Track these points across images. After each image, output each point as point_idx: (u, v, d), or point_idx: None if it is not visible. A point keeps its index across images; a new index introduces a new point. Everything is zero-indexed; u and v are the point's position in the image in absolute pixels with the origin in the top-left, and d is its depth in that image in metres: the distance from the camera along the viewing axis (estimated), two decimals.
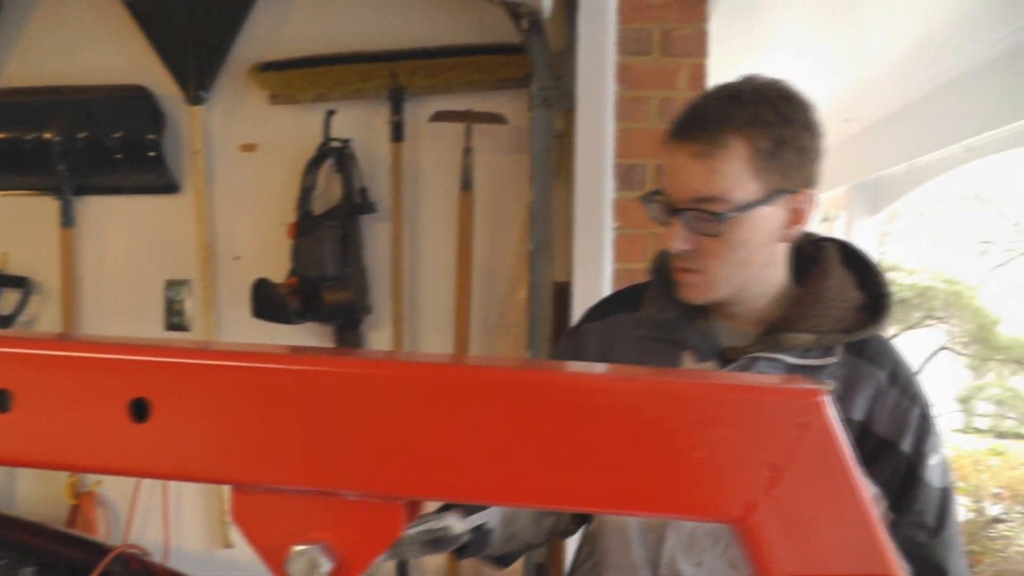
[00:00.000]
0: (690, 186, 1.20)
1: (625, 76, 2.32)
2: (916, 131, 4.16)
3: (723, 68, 3.82)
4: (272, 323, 2.40)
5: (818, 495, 0.53)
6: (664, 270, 1.37)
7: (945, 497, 1.26)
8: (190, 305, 2.70)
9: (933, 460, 1.25)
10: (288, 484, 0.57)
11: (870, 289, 1.31)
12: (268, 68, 2.55)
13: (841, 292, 1.28)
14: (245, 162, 2.66)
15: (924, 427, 1.26)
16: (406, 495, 0.57)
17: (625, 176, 2.33)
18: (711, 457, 0.53)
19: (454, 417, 0.55)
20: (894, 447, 1.24)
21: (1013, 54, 3.28)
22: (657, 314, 1.35)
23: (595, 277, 2.22)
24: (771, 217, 1.23)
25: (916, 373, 1.32)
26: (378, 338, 2.57)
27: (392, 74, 2.45)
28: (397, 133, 2.46)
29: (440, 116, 2.37)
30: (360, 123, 2.53)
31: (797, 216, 1.25)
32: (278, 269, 2.46)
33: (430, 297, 2.54)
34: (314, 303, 2.40)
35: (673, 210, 1.23)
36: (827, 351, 1.26)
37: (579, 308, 2.24)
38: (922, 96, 4.03)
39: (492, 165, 2.48)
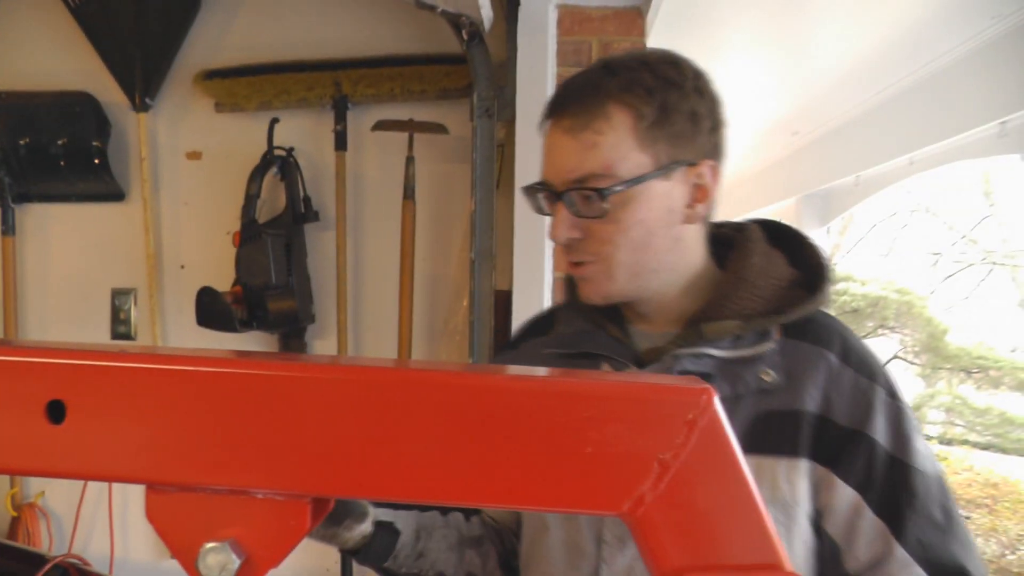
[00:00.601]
0: (567, 164, 1.08)
1: None
2: (862, 144, 4.24)
3: None
4: (217, 331, 2.39)
5: (707, 489, 0.56)
6: (572, 280, 1.26)
7: (943, 485, 1.07)
8: (136, 314, 2.68)
9: (918, 443, 1.07)
10: (199, 483, 0.58)
11: (804, 265, 1.17)
12: (213, 76, 2.54)
13: (766, 269, 1.14)
14: (190, 170, 2.65)
15: (895, 407, 1.08)
16: (311, 492, 0.59)
17: None
18: (601, 453, 0.55)
19: (352, 416, 0.57)
20: (862, 435, 1.05)
21: (952, 70, 3.36)
22: (566, 329, 1.26)
23: (535, 285, 2.25)
24: (668, 194, 1.09)
25: (869, 348, 1.14)
26: (322, 347, 2.57)
27: (336, 83, 2.45)
28: (341, 142, 2.46)
29: (382, 125, 2.38)
30: (304, 132, 2.54)
31: (700, 193, 1.12)
32: (224, 277, 2.45)
33: (374, 306, 2.55)
34: (259, 311, 2.39)
35: (554, 195, 1.10)
36: (760, 337, 1.10)
37: (520, 316, 2.26)
38: (867, 110, 4.11)
39: (435, 174, 2.49)
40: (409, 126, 2.37)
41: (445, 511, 1.28)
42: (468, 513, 1.30)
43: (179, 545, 0.59)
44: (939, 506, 1.05)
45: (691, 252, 1.16)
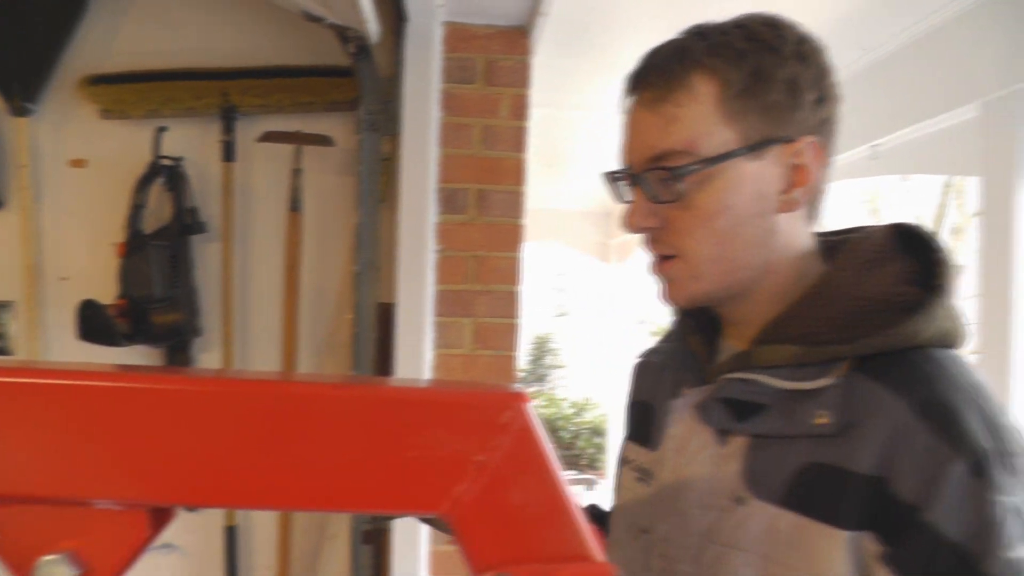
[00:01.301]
0: (646, 142, 0.94)
1: (449, 103, 2.40)
2: None
3: (569, 96, 3.97)
4: (100, 346, 2.34)
5: (520, 488, 0.59)
6: None
7: None
8: (15, 328, 2.60)
9: (1004, 551, 0.77)
10: (35, 495, 0.58)
11: (925, 284, 0.91)
12: (99, 81, 2.49)
13: (858, 283, 0.92)
14: (74, 178, 2.58)
15: (976, 492, 0.78)
16: (149, 502, 0.60)
17: (448, 200, 2.41)
18: (422, 457, 0.58)
19: (179, 426, 0.58)
20: (922, 520, 0.80)
21: (865, 73, 3.49)
22: (667, 339, 1.18)
23: (418, 298, 2.27)
24: (759, 176, 0.92)
25: (977, 406, 0.83)
26: (209, 360, 2.53)
27: (224, 93, 2.43)
28: (228, 153, 2.44)
29: (268, 137, 2.37)
30: (192, 141, 2.50)
31: (799, 175, 0.93)
32: (108, 290, 2.40)
33: (260, 318, 2.53)
34: (143, 325, 2.35)
35: (633, 178, 0.97)
36: (823, 368, 0.89)
37: (402, 329, 2.28)
38: None
39: (321, 187, 2.49)
40: (295, 138, 2.37)
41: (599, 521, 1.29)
42: None
43: (14, 559, 0.59)
44: None
45: (789, 248, 0.97)
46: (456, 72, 2.38)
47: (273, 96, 2.43)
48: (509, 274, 2.48)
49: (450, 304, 2.42)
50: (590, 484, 5.56)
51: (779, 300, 0.97)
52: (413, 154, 2.29)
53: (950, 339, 0.89)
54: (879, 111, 3.10)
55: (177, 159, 2.44)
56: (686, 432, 1.00)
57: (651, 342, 1.28)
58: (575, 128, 4.77)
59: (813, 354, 0.90)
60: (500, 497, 0.58)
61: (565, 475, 0.60)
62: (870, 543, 0.83)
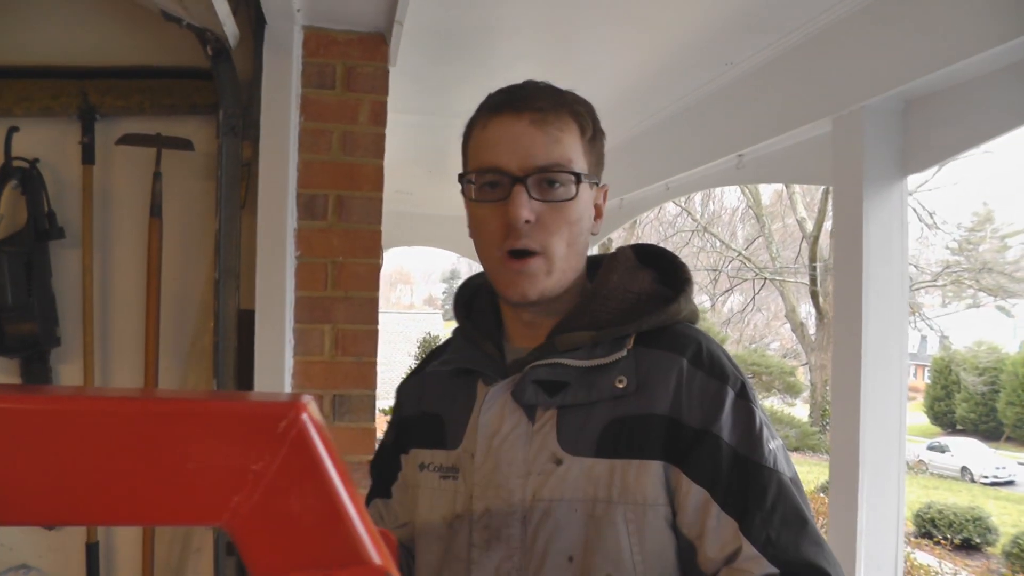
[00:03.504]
0: (533, 151, 1.15)
1: (309, 109, 2.39)
2: (626, 170, 4.48)
3: (452, 103, 4.00)
4: None
5: (298, 496, 0.59)
6: (483, 287, 1.36)
7: (794, 485, 1.10)
8: None
9: (768, 443, 1.11)
10: None
11: (672, 279, 1.25)
12: None
13: (624, 284, 1.22)
14: None
15: (743, 407, 1.12)
16: None
17: (307, 206, 2.39)
18: (199, 467, 0.58)
19: None
20: (709, 434, 1.09)
21: (697, 107, 3.62)
22: (453, 350, 1.33)
23: (277, 304, 2.25)
24: (589, 204, 1.22)
25: (725, 354, 1.19)
26: (68, 371, 2.44)
27: (83, 92, 2.35)
28: (87, 155, 2.36)
29: (127, 139, 2.30)
30: (49, 142, 2.40)
31: (598, 212, 1.26)
32: None
33: (121, 327, 2.45)
34: None
35: (514, 180, 1.15)
36: (615, 346, 1.16)
37: (262, 336, 2.25)
38: (630, 139, 4.35)
39: (183, 191, 2.43)
40: (155, 141, 2.31)
41: None
42: None
43: None
44: (789, 504, 1.07)
45: (582, 264, 1.24)
46: (315, 77, 2.35)
47: (134, 97, 2.36)
48: (368, 280, 2.47)
49: (310, 310, 2.40)
50: None
51: (568, 303, 1.22)
52: (272, 159, 2.27)
53: (695, 318, 1.24)
54: (744, 123, 3.23)
55: (32, 161, 2.35)
56: (496, 419, 1.18)
57: (413, 364, 1.42)
58: (459, 136, 4.79)
59: (603, 336, 1.17)
60: (278, 506, 0.59)
61: (347, 482, 0.61)
62: (672, 470, 1.10)
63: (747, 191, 18.80)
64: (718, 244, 19.88)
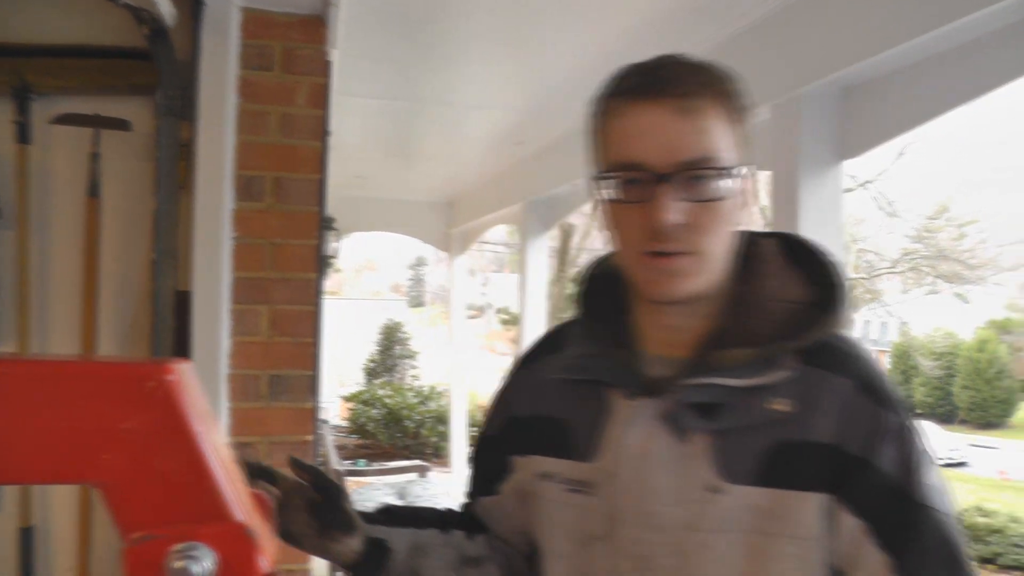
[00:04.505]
0: (679, 145, 1.01)
1: (247, 90, 2.38)
2: (579, 155, 4.49)
3: (411, 88, 4.00)
4: None
5: (163, 456, 0.62)
6: (603, 289, 1.22)
7: (954, 526, 1.03)
8: None
9: (930, 478, 1.03)
10: None
11: (822, 284, 1.12)
12: None
13: (780, 291, 1.11)
14: None
15: (907, 438, 1.04)
16: None
17: (245, 187, 2.39)
18: (70, 427, 0.61)
19: None
20: (869, 464, 1.02)
21: None
22: (578, 351, 1.19)
23: (214, 286, 2.25)
24: (736, 195, 1.07)
25: (887, 376, 1.10)
26: (4, 354, 2.43)
27: (17, 71, 2.31)
28: (23, 135, 2.32)
29: (63, 119, 2.28)
30: None
31: (747, 199, 1.10)
32: None
33: (59, 308, 2.41)
34: None
35: (659, 178, 1.01)
36: (773, 364, 1.05)
37: (199, 317, 2.25)
38: (581, 124, 4.36)
39: (121, 172, 2.39)
40: (92, 121, 2.29)
41: (446, 528, 1.26)
42: (472, 531, 1.28)
43: None
44: (946, 546, 1.01)
45: (730, 264, 1.11)
46: (254, 59, 2.34)
47: (71, 77, 2.33)
48: (306, 262, 2.47)
49: (247, 291, 2.40)
50: (423, 472, 5.56)
51: (715, 306, 1.10)
52: (210, 140, 2.26)
53: (849, 324, 1.12)
54: None
55: None
56: (643, 439, 1.07)
57: (530, 353, 1.31)
58: (419, 120, 4.81)
59: (764, 353, 1.05)
60: (145, 463, 0.61)
61: (216, 440, 0.63)
62: (829, 500, 1.02)
63: None
64: None
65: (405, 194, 7.64)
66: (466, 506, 1.33)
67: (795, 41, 2.68)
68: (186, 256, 2.28)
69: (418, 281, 48.57)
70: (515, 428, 1.24)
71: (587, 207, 4.99)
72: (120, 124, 2.29)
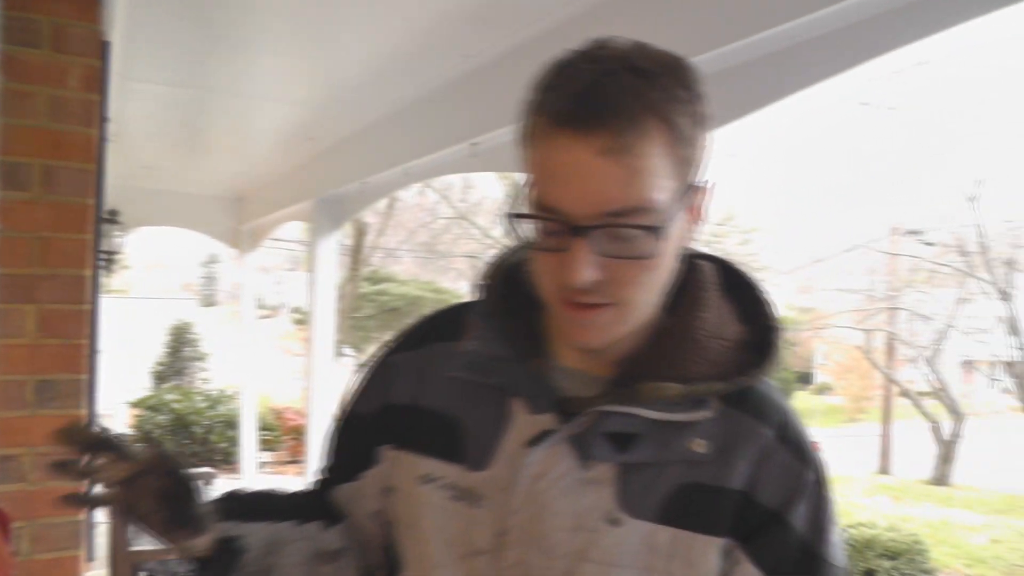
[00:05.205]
0: (603, 193, 0.88)
1: (11, 68, 2.22)
2: (366, 154, 4.51)
3: (201, 77, 3.85)
4: None
5: None
6: (513, 282, 1.10)
7: None
8: None
9: (834, 535, 1.03)
10: None
11: (754, 322, 1.06)
12: None
13: (718, 328, 1.03)
14: None
15: (820, 495, 1.02)
16: None
17: (10, 175, 2.23)
18: None
19: None
20: (783, 521, 1.00)
21: (434, 96, 3.71)
22: (481, 349, 1.07)
23: None
24: (680, 223, 0.96)
25: (805, 429, 1.07)
26: None
27: None
28: None
29: None
30: None
31: (696, 215, 0.99)
32: None
33: None
34: None
35: (576, 229, 0.89)
36: (698, 403, 1.00)
37: None
38: (371, 123, 4.36)
39: None
40: None
41: (303, 520, 1.16)
42: (327, 516, 1.19)
43: None
44: None
45: (662, 298, 1.02)
46: (18, 34, 2.18)
47: None
48: (78, 257, 2.33)
49: (11, 289, 2.22)
50: (209, 479, 5.37)
51: (640, 334, 1.02)
52: None
53: (777, 371, 1.06)
54: (478, 113, 3.33)
55: None
56: (545, 459, 1.00)
57: (417, 334, 1.19)
58: (208, 110, 4.64)
59: (690, 392, 0.99)
60: None
61: None
62: (731, 545, 1.00)
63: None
64: (477, 232, 20.26)
65: (194, 188, 7.33)
66: (321, 487, 1.23)
67: None
68: None
69: (210, 279, 46.81)
70: (391, 416, 1.14)
71: (380, 205, 4.98)
72: None
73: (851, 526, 9.74)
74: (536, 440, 1.00)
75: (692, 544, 0.98)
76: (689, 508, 0.99)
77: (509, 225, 0.96)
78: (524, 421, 1.02)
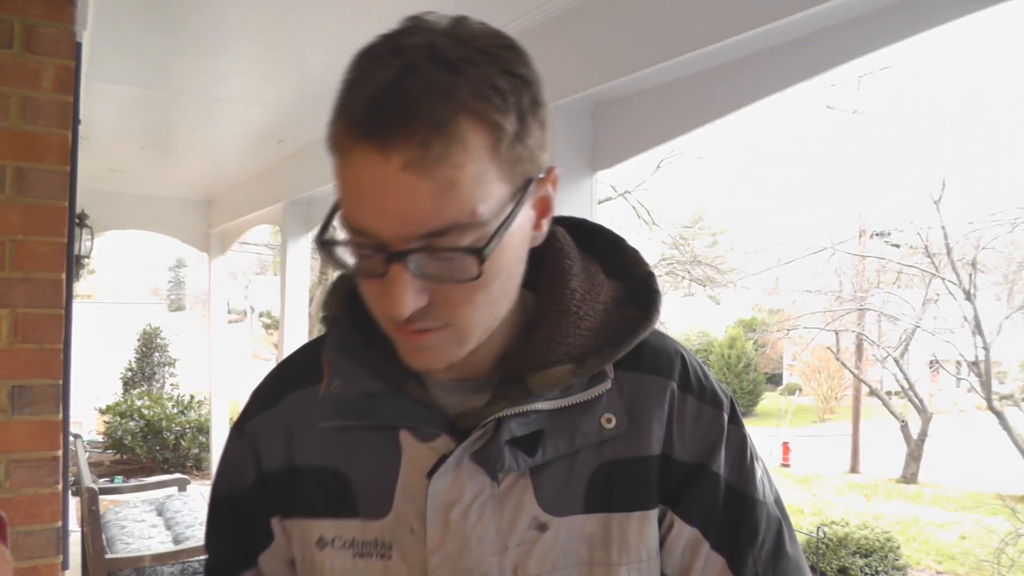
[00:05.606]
0: (415, 214, 0.74)
1: None
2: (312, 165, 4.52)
3: (170, 78, 3.83)
4: None
5: None
6: (356, 311, 0.95)
7: (782, 514, 0.98)
8: None
9: (759, 472, 0.97)
10: None
11: (624, 273, 0.98)
12: None
13: (591, 292, 0.94)
14: None
15: (737, 435, 0.97)
16: None
17: None
18: None
19: None
20: (705, 469, 0.94)
21: None
22: (347, 391, 0.94)
23: None
24: (524, 222, 0.83)
25: (706, 369, 1.01)
26: None
27: None
28: None
29: None
30: None
31: (545, 206, 0.86)
32: None
33: None
34: None
35: (391, 255, 0.76)
36: (594, 378, 0.92)
37: None
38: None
39: None
40: None
41: None
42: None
43: None
44: (777, 538, 0.95)
45: (516, 296, 0.90)
46: None
47: None
48: (52, 260, 2.29)
49: None
50: (182, 485, 5.33)
51: (509, 327, 0.93)
52: None
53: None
54: None
55: None
56: (453, 486, 0.90)
57: (273, 389, 1.05)
58: (177, 111, 4.61)
59: (584, 370, 0.90)
60: None
61: None
62: (666, 509, 0.94)
63: None
64: None
65: (163, 190, 7.28)
66: None
67: (548, 58, 2.81)
68: None
69: (178, 284, 46.49)
70: (269, 486, 1.00)
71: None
72: None
73: (824, 524, 9.86)
74: (435, 469, 0.89)
75: (627, 525, 0.92)
76: (613, 489, 0.92)
77: (323, 250, 0.81)
78: (416, 452, 0.92)
